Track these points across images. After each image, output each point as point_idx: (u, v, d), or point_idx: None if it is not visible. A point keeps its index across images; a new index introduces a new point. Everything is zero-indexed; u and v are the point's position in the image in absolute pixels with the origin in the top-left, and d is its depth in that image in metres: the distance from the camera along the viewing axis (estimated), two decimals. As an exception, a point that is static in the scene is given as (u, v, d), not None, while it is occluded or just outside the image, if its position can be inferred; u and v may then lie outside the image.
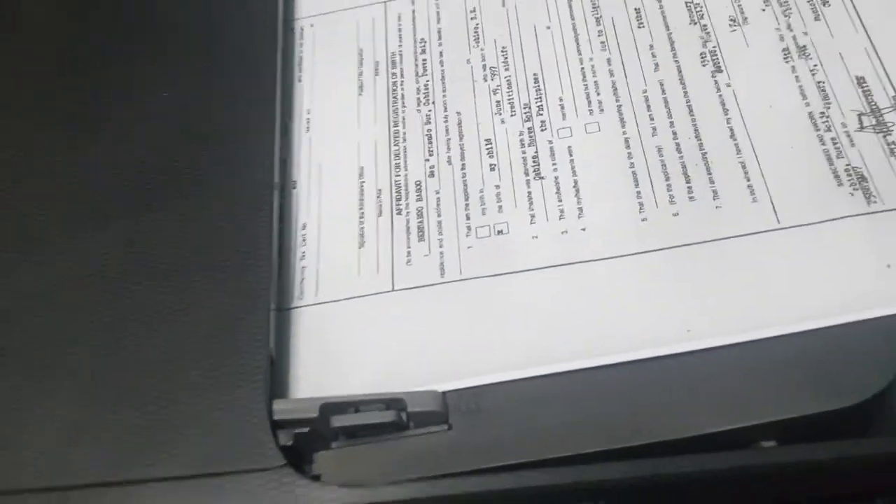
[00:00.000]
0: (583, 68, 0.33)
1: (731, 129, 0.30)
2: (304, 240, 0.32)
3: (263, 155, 0.32)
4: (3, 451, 0.26)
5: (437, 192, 0.32)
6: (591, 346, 0.27)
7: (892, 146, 0.29)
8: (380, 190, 0.32)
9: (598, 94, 0.32)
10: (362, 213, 0.32)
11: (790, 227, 0.28)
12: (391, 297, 0.30)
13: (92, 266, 0.29)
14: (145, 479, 0.25)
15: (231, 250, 0.29)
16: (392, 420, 0.26)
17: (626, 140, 0.31)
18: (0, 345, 0.28)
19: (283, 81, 0.34)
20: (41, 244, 0.30)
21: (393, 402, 0.27)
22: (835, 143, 0.29)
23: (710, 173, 0.29)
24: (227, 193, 0.31)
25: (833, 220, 0.27)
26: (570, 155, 0.31)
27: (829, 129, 0.30)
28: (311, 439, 0.27)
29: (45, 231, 0.30)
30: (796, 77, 0.31)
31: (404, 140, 0.33)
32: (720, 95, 0.31)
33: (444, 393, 0.27)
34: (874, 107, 0.30)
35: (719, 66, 0.32)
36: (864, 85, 0.30)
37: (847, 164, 0.29)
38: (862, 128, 0.29)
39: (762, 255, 0.27)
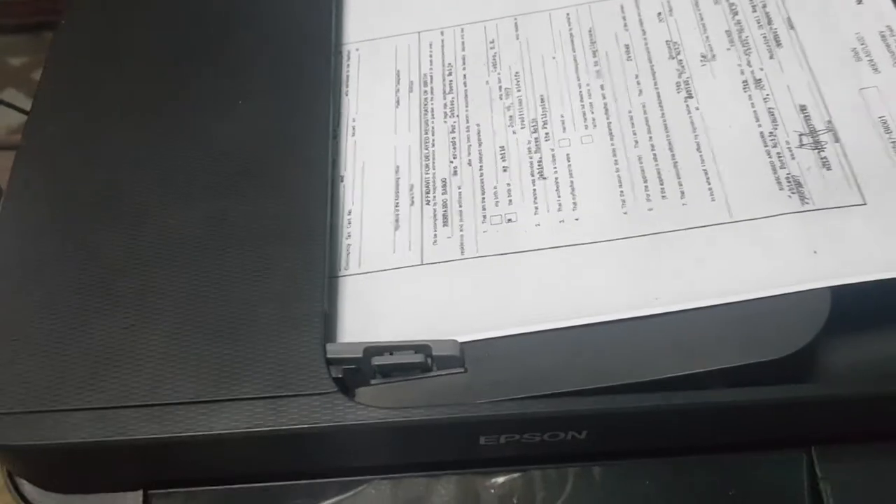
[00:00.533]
0: (581, 92, 0.40)
1: (698, 144, 0.37)
2: (349, 223, 0.39)
3: (320, 154, 0.39)
4: (115, 373, 0.33)
5: (459, 188, 0.39)
6: (579, 309, 0.34)
7: (825, 160, 0.36)
8: (412, 185, 0.39)
9: (593, 112, 0.40)
10: (397, 202, 0.39)
11: (740, 221, 0.35)
12: (420, 269, 0.37)
13: (186, 235, 0.36)
14: (229, 399, 0.32)
15: (295, 229, 0.36)
16: (420, 361, 0.33)
17: (614, 150, 0.38)
18: (115, 292, 0.35)
19: (333, 95, 0.42)
20: (144, 217, 0.37)
21: (421, 348, 0.34)
22: (779, 157, 0.36)
23: (679, 178, 0.37)
24: (291, 184, 0.38)
25: (774, 216, 0.35)
26: (569, 161, 0.38)
27: (775, 146, 0.37)
28: (355, 375, 0.34)
29: (147, 208, 0.37)
30: (752, 104, 0.38)
31: (433, 145, 0.40)
32: (690, 116, 0.38)
33: (461, 343, 0.34)
34: (812, 129, 0.37)
35: (690, 93, 0.39)
36: (805, 111, 0.38)
37: (788, 174, 0.36)
38: (801, 145, 0.37)
39: (718, 241, 0.35)
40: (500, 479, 0.35)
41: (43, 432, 0.32)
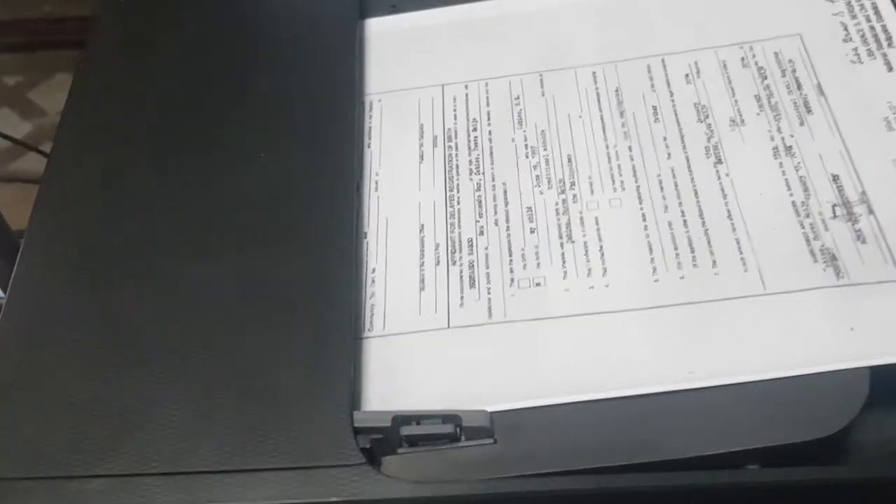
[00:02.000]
0: (608, 153, 0.40)
1: (728, 211, 0.37)
2: (373, 282, 0.38)
3: (344, 209, 0.38)
4: (138, 439, 0.32)
5: (486, 249, 0.38)
6: (612, 381, 0.33)
7: (859, 232, 0.36)
8: (437, 244, 0.39)
9: (621, 175, 0.39)
10: (423, 262, 0.38)
11: (774, 294, 0.34)
12: (447, 333, 0.36)
13: (208, 293, 0.35)
14: (256, 469, 0.31)
15: (319, 287, 0.36)
16: (449, 432, 0.33)
17: (643, 214, 0.38)
18: (136, 353, 0.34)
19: (357, 148, 0.41)
20: (166, 273, 0.36)
21: (450, 418, 0.33)
22: (812, 228, 0.36)
23: (710, 245, 0.36)
24: (315, 239, 0.37)
25: (808, 289, 0.34)
26: (597, 224, 0.38)
27: (808, 216, 0.36)
28: (382, 444, 0.33)
29: (168, 263, 0.37)
30: (783, 171, 0.38)
31: (458, 203, 0.40)
32: (720, 182, 0.38)
33: (491, 413, 0.33)
34: (845, 199, 0.37)
35: (720, 159, 0.39)
36: (838, 181, 0.37)
37: (822, 245, 0.35)
38: (835, 216, 0.36)
39: (752, 315, 0.34)
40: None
41: (55, 501, 0.31)
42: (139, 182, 0.39)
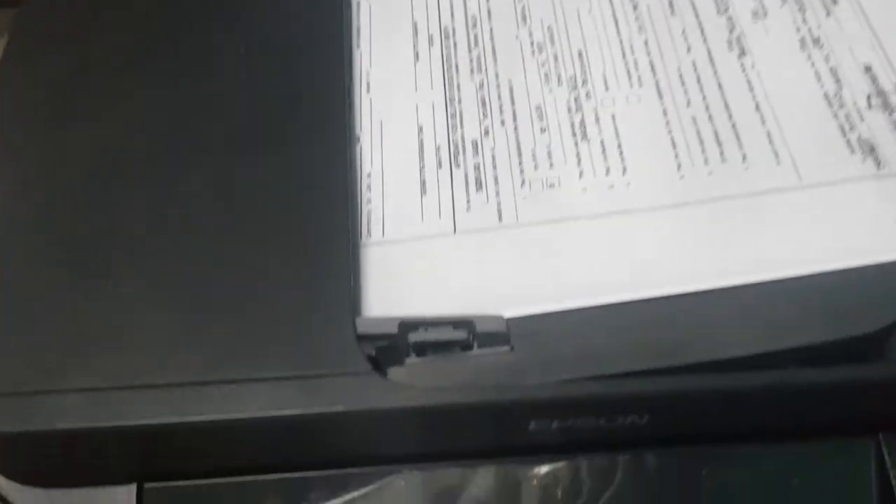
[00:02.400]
0: (623, 48, 0.37)
1: (757, 104, 0.34)
2: (369, 187, 0.35)
3: (335, 111, 0.35)
4: (112, 350, 0.28)
5: (493, 150, 0.35)
6: (638, 281, 0.30)
7: (897, 123, 0.33)
8: (438, 146, 0.35)
9: (637, 70, 0.36)
10: (423, 165, 0.35)
11: (811, 186, 0.32)
12: (453, 238, 0.33)
13: (194, 198, 0.32)
14: (249, 379, 0.27)
15: (310, 192, 0.32)
16: (461, 338, 0.29)
17: (664, 110, 0.35)
18: (112, 259, 0.30)
19: (346, 46, 0.38)
20: (152, 178, 0.32)
21: (463, 323, 0.30)
22: (847, 119, 0.33)
23: (738, 139, 0.33)
24: (304, 143, 0.34)
25: (848, 180, 0.32)
26: (614, 121, 0.35)
27: (841, 107, 0.34)
28: (388, 354, 0.30)
29: (156, 168, 0.33)
30: (812, 63, 0.35)
31: (459, 103, 0.37)
32: (745, 75, 0.35)
33: (506, 318, 0.30)
34: (880, 89, 0.34)
35: (744, 51, 0.36)
36: (871, 71, 0.35)
37: (858, 136, 0.33)
38: (870, 107, 0.34)
39: (787, 208, 0.31)
40: (545, 469, 0.31)
41: (23, 417, 0.27)
42: (111, 83, 0.35)
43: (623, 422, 0.29)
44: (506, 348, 0.30)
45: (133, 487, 0.30)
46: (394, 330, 0.29)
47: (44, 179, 0.33)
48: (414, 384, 0.29)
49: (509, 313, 0.30)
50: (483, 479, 0.31)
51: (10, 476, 0.30)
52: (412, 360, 0.30)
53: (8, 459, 0.29)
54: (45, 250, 0.31)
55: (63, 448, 0.28)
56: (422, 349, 0.30)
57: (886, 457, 0.31)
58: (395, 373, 0.29)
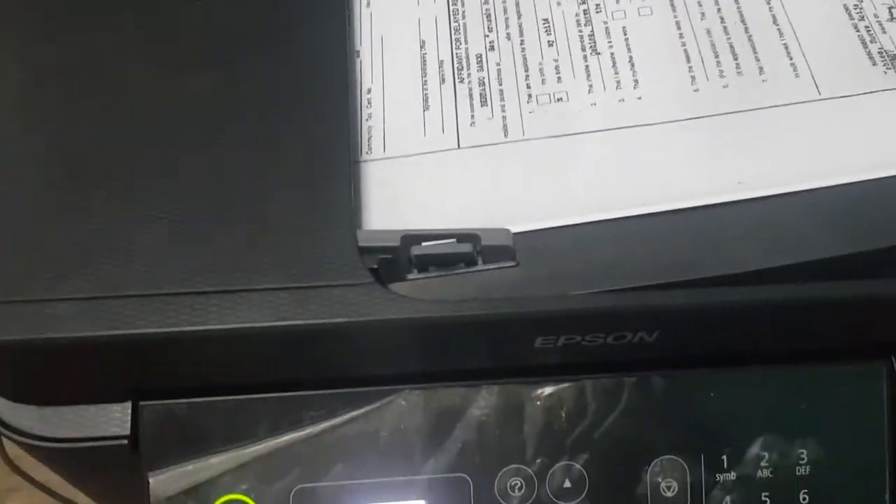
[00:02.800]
0: (633, -40, 0.35)
1: (774, 16, 0.33)
2: (369, 103, 0.33)
3: (334, 22, 0.33)
4: (107, 260, 0.27)
5: (498, 65, 0.34)
6: (650, 195, 0.29)
7: (921, 35, 0.32)
8: (441, 61, 0.34)
9: (650, -19, 0.35)
10: (425, 80, 0.34)
11: (831, 98, 0.31)
12: (457, 153, 0.32)
13: (192, 110, 0.30)
14: (247, 289, 0.26)
15: (310, 106, 0.31)
16: (466, 252, 0.28)
17: (678, 22, 0.33)
18: (110, 169, 0.29)
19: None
20: (150, 88, 0.31)
21: (467, 237, 0.29)
22: (868, 31, 0.32)
23: (755, 52, 0.32)
24: (303, 56, 0.32)
25: (869, 93, 0.30)
26: (625, 34, 0.33)
27: (862, 19, 0.32)
28: (389, 268, 0.29)
29: (153, 78, 0.31)
30: (831, -26, 0.34)
31: (463, 18, 0.35)
32: (762, -14, 0.34)
33: (513, 233, 0.29)
34: (903, 2, 0.33)
35: (761, -37, 0.35)
36: (894, -17, 0.33)
37: (880, 48, 0.32)
38: (892, 18, 0.32)
39: (806, 121, 0.30)
40: (548, 390, 0.30)
41: (18, 325, 0.26)
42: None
43: (631, 339, 0.28)
44: (511, 263, 0.29)
45: (128, 406, 0.29)
46: (396, 243, 0.28)
47: (39, 89, 0.32)
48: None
49: (515, 228, 0.29)
50: (485, 399, 0.30)
51: (2, 392, 0.29)
52: (415, 274, 0.29)
53: (1, 372, 0.28)
54: (42, 160, 0.30)
55: (57, 359, 0.27)
56: (424, 263, 0.29)
57: (899, 379, 0.30)
58: (397, 287, 0.28)
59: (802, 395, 0.30)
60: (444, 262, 0.29)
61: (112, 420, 0.29)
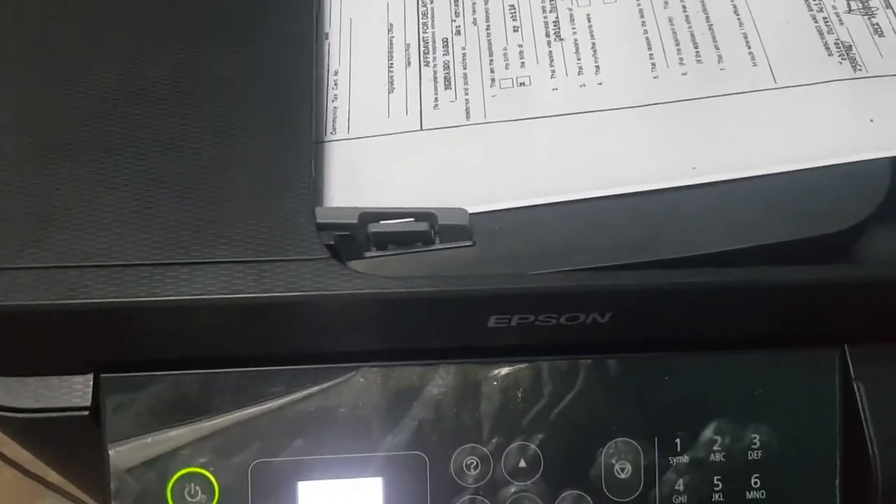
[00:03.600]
0: (602, -54, 0.36)
1: (735, 6, 0.33)
2: (335, 84, 0.34)
3: (300, 7, 0.33)
4: (65, 231, 0.27)
5: (463, 49, 0.34)
6: (604, 179, 0.30)
7: (876, 26, 0.32)
8: (408, 44, 0.34)
9: (616, -31, 0.35)
10: (391, 63, 0.34)
11: (786, 87, 0.31)
12: (420, 135, 0.32)
13: (152, 82, 0.31)
14: (204, 261, 0.27)
15: (274, 85, 0.31)
16: (423, 230, 0.29)
17: (640, 10, 0.34)
18: (68, 142, 0.29)
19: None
20: (113, 59, 0.31)
21: (425, 216, 0.29)
22: (826, 22, 0.33)
23: (715, 41, 0.33)
24: (270, 35, 0.32)
25: (824, 82, 0.31)
26: (589, 21, 0.34)
27: (821, 10, 0.33)
28: (347, 245, 0.29)
29: (117, 50, 0.31)
30: (793, -34, 0.34)
31: (431, 2, 0.35)
32: (725, -23, 0.34)
33: (471, 214, 0.30)
34: (861, -6, 0.33)
35: (725, -46, 0.35)
36: (853, -25, 0.34)
37: (836, 39, 0.32)
38: (850, 10, 0.33)
39: (761, 109, 0.31)
40: (505, 370, 0.31)
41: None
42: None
43: (584, 320, 0.28)
44: (468, 243, 0.29)
45: (90, 378, 0.29)
46: (354, 220, 0.29)
47: (1, 59, 0.32)
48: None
49: (473, 209, 0.30)
50: (442, 378, 0.30)
51: (-38, 363, 0.30)
52: (372, 252, 0.29)
53: (-42, 343, 0.29)
54: (0, 132, 0.30)
55: (17, 328, 0.27)
56: (382, 241, 0.29)
57: (851, 368, 0.30)
58: (354, 264, 0.29)
59: (756, 380, 0.31)
60: (401, 240, 0.29)
61: (74, 391, 0.29)
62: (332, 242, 0.28)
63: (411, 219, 0.29)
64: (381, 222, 0.29)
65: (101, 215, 0.28)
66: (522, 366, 0.31)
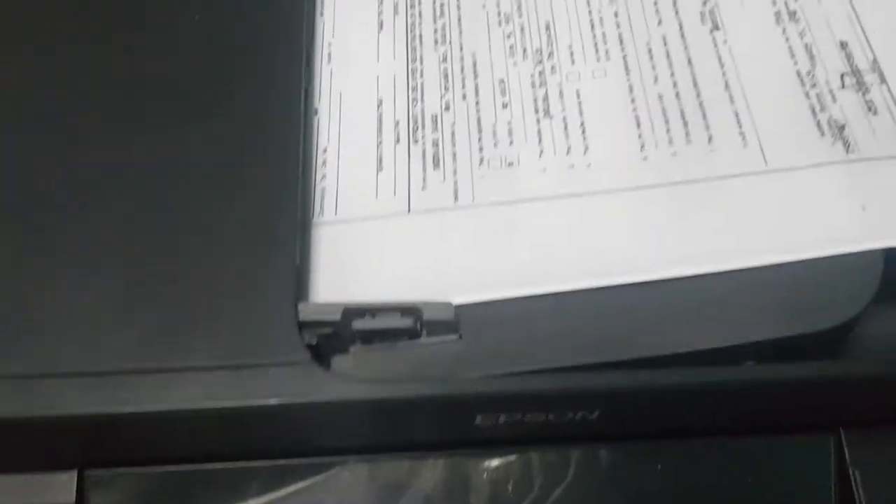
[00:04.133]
0: (591, 19, 0.35)
1: (726, 82, 0.33)
2: (324, 163, 0.33)
3: (291, 80, 0.33)
4: (40, 336, 0.27)
5: (452, 125, 0.34)
6: (594, 268, 0.29)
7: (870, 103, 0.32)
8: (397, 121, 0.34)
9: (605, 43, 0.35)
10: (380, 140, 0.34)
11: (777, 171, 0.30)
12: (407, 218, 0.32)
13: (134, 167, 0.30)
14: (181, 368, 0.27)
15: (260, 166, 0.31)
16: (408, 326, 0.28)
17: (630, 86, 0.33)
18: (39, 234, 0.29)
19: (307, 13, 0.36)
20: (78, 144, 0.31)
21: (409, 310, 0.29)
22: (819, 99, 0.32)
23: (705, 119, 0.32)
24: (256, 113, 0.32)
25: (816, 165, 0.30)
26: (578, 97, 0.33)
27: (814, 86, 0.32)
28: (331, 341, 0.29)
29: (92, 133, 0.31)
30: (786, 38, 0.34)
31: (421, 76, 0.35)
32: (717, 50, 0.34)
33: (456, 305, 0.29)
34: (855, 68, 0.32)
35: (717, 24, 0.34)
36: (847, 48, 0.33)
37: (829, 117, 0.31)
38: (844, 86, 0.32)
39: (751, 194, 0.30)
40: (494, 462, 0.30)
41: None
42: (46, 44, 0.34)
43: (573, 417, 0.28)
44: (454, 337, 0.29)
45: (74, 474, 0.29)
46: (337, 317, 0.28)
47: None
48: (357, 374, 0.28)
49: (459, 300, 0.29)
50: (431, 472, 0.30)
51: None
52: (356, 347, 0.29)
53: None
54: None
55: (-4, 435, 0.27)
56: (367, 337, 0.29)
57: (847, 453, 0.30)
58: (338, 361, 0.28)
59: (749, 466, 0.30)
60: (386, 336, 0.29)
61: (58, 487, 0.29)
62: (314, 342, 0.28)
63: (396, 313, 0.29)
64: (366, 318, 0.29)
65: (75, 317, 0.27)
66: (512, 458, 0.30)
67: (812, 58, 0.33)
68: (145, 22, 0.34)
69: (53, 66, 0.33)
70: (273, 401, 0.26)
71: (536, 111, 0.33)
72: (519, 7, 0.36)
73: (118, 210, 0.30)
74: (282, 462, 0.29)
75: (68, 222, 0.29)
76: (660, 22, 0.35)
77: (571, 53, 0.35)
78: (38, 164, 0.31)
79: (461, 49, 0.35)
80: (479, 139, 0.33)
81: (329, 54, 0.36)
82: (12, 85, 0.33)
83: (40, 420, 0.26)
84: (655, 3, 0.35)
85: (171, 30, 0.34)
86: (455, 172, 0.32)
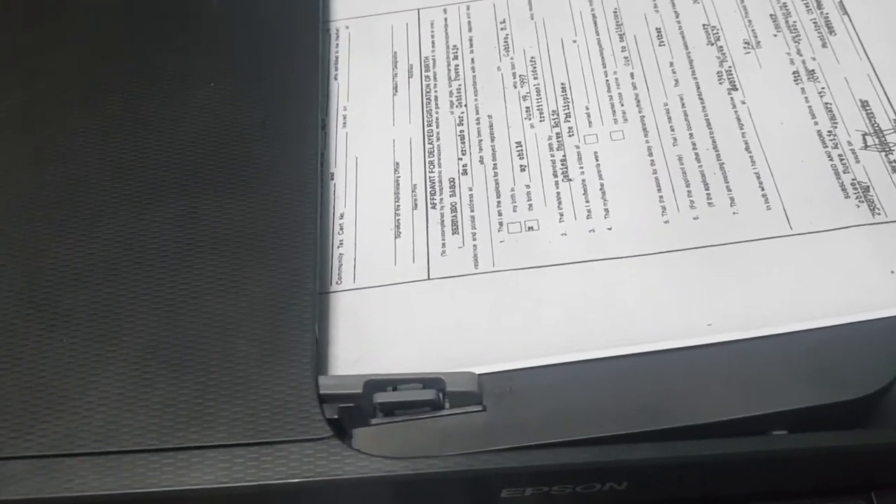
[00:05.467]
0: (608, 80, 0.35)
1: (746, 143, 0.33)
2: (341, 229, 0.33)
3: (307, 147, 0.33)
4: (60, 414, 0.27)
5: (470, 190, 0.33)
6: (617, 336, 0.29)
7: (894, 164, 0.31)
8: (415, 185, 0.34)
9: (623, 105, 0.34)
10: (398, 205, 0.33)
11: (802, 234, 0.30)
12: (427, 285, 0.31)
13: (148, 242, 0.30)
14: (201, 446, 0.26)
15: (278, 235, 0.31)
16: (431, 398, 0.28)
17: (649, 148, 0.33)
18: (60, 312, 0.29)
19: (322, 79, 0.36)
20: (98, 220, 0.31)
21: (432, 382, 0.28)
22: (842, 160, 0.32)
23: (727, 181, 0.32)
24: (273, 182, 0.32)
25: (841, 228, 0.30)
26: (597, 160, 0.33)
27: (836, 147, 0.32)
28: (352, 414, 0.28)
29: (110, 207, 0.31)
30: (805, 98, 0.34)
31: (438, 139, 0.35)
32: (735, 111, 0.34)
33: (479, 375, 0.29)
34: (877, 128, 0.32)
35: (735, 85, 0.34)
36: (868, 108, 0.33)
37: (853, 179, 0.31)
38: (866, 146, 0.32)
39: (776, 258, 0.30)
40: (521, 533, 0.30)
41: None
42: (67, 117, 0.34)
43: (601, 488, 0.27)
44: (478, 408, 0.28)
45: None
46: (359, 389, 0.28)
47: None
48: (379, 449, 0.27)
49: (482, 369, 0.29)
50: (456, 542, 0.29)
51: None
52: (379, 420, 0.28)
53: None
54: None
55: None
56: (389, 409, 0.28)
57: (879, 516, 0.29)
58: (359, 435, 0.28)
59: (782, 533, 0.30)
60: (408, 407, 0.28)
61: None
62: (335, 416, 0.27)
63: (419, 385, 0.28)
64: (388, 390, 0.28)
65: (96, 394, 0.27)
66: (538, 528, 0.29)
67: (833, 117, 0.33)
68: (161, 91, 0.35)
69: (72, 140, 0.33)
70: (295, 480, 0.25)
71: (555, 174, 0.33)
72: (534, 69, 0.36)
73: (136, 287, 0.29)
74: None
75: (90, 298, 0.29)
76: (676, 83, 0.35)
77: (588, 115, 0.34)
78: (57, 242, 0.31)
79: (477, 111, 0.35)
80: (498, 203, 0.33)
81: (345, 118, 0.36)
82: (32, 162, 0.33)
83: (60, 501, 0.25)
84: (671, 64, 0.35)
85: (185, 97, 0.35)
86: (474, 237, 0.32)
